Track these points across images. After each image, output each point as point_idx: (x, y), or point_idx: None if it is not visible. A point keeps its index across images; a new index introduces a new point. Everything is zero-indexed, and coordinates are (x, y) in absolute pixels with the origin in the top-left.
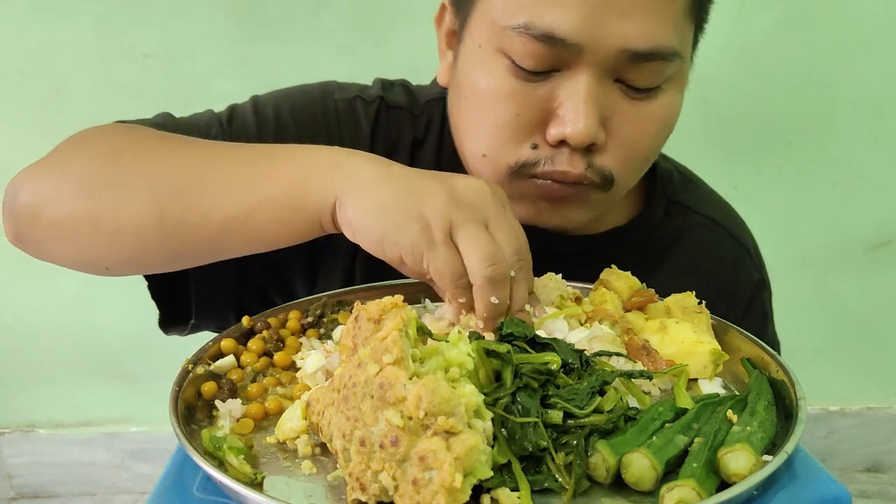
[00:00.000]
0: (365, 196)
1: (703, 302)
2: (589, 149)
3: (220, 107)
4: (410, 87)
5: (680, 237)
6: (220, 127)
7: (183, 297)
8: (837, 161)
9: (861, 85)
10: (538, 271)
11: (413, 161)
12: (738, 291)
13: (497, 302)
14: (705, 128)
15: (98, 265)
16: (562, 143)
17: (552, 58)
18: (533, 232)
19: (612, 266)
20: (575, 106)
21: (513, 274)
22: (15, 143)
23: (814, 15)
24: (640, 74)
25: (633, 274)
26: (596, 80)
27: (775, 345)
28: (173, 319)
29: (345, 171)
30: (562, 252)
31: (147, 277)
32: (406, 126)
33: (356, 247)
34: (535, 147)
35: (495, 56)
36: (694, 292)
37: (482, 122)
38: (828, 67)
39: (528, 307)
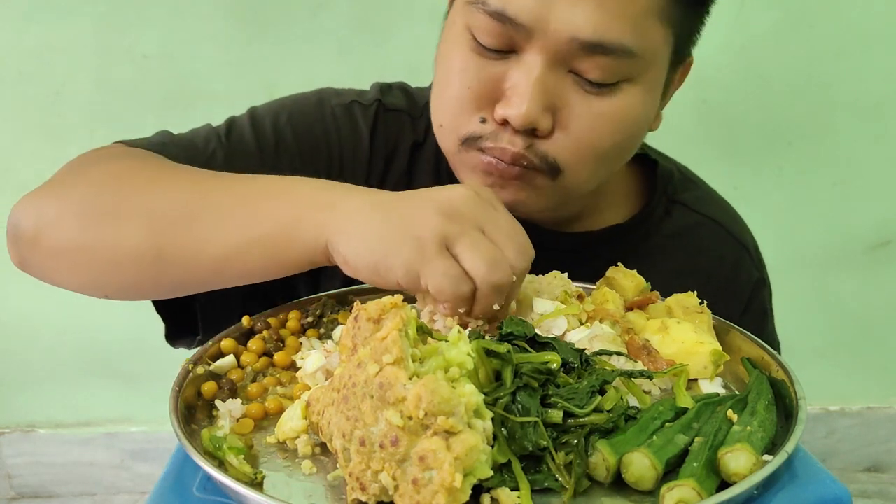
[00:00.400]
0: (355, 232)
1: (705, 302)
2: (532, 133)
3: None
4: (409, 90)
5: (680, 236)
6: (219, 141)
7: (188, 312)
8: (837, 161)
9: (861, 85)
10: (538, 268)
11: (413, 163)
12: (737, 291)
13: (498, 308)
14: (705, 128)
15: (98, 292)
16: (506, 122)
17: (506, 37)
18: (530, 228)
19: (619, 264)
20: (521, 89)
21: (515, 279)
22: (15, 143)
23: (814, 15)
24: (593, 68)
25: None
26: (547, 66)
27: (775, 344)
28: (179, 333)
29: (333, 210)
30: (559, 248)
31: None
32: (406, 128)
33: None
34: (483, 121)
35: (462, 32)
36: (695, 292)
37: (442, 94)
38: (828, 67)
39: (514, 305)
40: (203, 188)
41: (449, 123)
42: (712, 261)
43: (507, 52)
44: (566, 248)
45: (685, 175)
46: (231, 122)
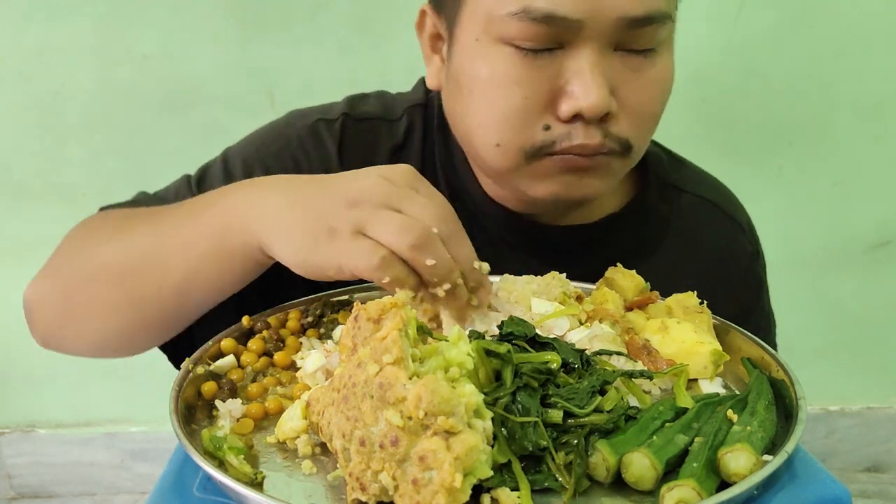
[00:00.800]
0: (279, 233)
1: (705, 302)
2: (603, 119)
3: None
4: (386, 96)
5: (675, 219)
6: (190, 191)
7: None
8: (837, 161)
9: (861, 85)
10: (541, 269)
11: None
12: (734, 269)
13: (434, 262)
14: (705, 128)
15: (106, 351)
16: (575, 118)
17: (553, 36)
18: (530, 226)
19: (618, 264)
20: (584, 79)
21: (435, 231)
22: (15, 142)
23: (814, 15)
24: (638, 40)
25: (631, 259)
26: (599, 52)
27: (769, 316)
28: None
29: (255, 212)
30: (561, 244)
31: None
32: (382, 135)
33: None
34: (547, 128)
35: (495, 45)
36: (695, 291)
37: (490, 112)
38: (828, 67)
39: (477, 264)
40: (151, 226)
41: (509, 140)
42: (707, 241)
43: (552, 49)
44: (568, 243)
45: (672, 157)
46: (205, 169)
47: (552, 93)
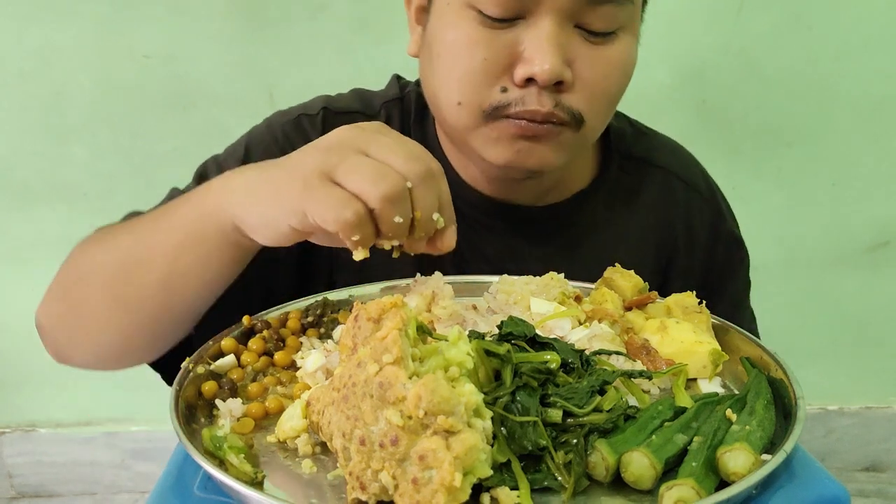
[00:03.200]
0: (249, 199)
1: (704, 302)
2: (556, 88)
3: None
4: (363, 92)
5: (638, 192)
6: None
7: None
8: (836, 161)
9: (860, 85)
10: (518, 247)
11: None
12: (695, 234)
13: (401, 220)
14: (705, 128)
15: (108, 361)
16: (529, 82)
17: (515, 5)
18: (507, 207)
19: (616, 265)
20: (540, 46)
21: (409, 185)
22: (16, 142)
23: (813, 16)
24: (596, 19)
25: (602, 234)
26: (557, 24)
27: (749, 317)
28: None
29: (228, 190)
30: (536, 221)
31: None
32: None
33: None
34: (504, 90)
35: (462, 10)
36: (693, 292)
37: (453, 71)
38: (827, 68)
39: (435, 216)
40: (135, 227)
41: (469, 98)
42: (668, 209)
43: (513, 19)
44: (541, 220)
45: (637, 129)
46: (201, 174)
47: (510, 58)
